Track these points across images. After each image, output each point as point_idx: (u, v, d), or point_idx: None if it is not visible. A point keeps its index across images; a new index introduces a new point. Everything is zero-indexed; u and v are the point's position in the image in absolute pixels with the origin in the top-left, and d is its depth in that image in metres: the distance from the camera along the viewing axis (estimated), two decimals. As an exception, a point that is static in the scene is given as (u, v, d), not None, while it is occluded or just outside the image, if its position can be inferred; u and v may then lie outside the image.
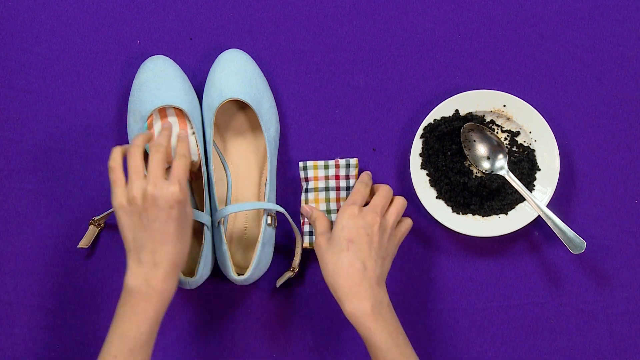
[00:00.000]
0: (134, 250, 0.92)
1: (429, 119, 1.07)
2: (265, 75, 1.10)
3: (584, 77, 1.10)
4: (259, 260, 1.03)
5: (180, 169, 0.95)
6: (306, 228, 1.06)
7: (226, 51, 1.09)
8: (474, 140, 1.08)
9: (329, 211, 1.06)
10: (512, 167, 1.08)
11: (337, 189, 1.05)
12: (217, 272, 1.08)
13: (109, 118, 1.10)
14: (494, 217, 1.08)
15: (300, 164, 1.06)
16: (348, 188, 1.03)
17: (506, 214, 1.08)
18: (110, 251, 1.09)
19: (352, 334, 1.08)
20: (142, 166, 0.94)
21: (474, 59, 1.11)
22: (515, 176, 1.08)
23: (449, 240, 1.10)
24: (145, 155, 0.99)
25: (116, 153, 0.96)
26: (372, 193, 1.03)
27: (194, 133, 1.06)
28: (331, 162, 1.06)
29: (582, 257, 1.09)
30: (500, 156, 1.08)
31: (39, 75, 1.10)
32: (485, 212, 1.07)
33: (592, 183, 1.10)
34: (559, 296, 1.09)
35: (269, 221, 1.04)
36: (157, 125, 1.05)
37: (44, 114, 1.10)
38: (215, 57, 1.09)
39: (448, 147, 1.08)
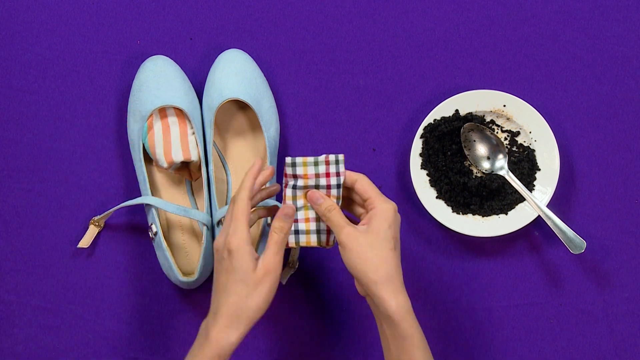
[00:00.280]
0: (211, 300, 0.94)
1: (429, 119, 1.07)
2: (265, 75, 1.10)
3: (584, 77, 1.10)
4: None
5: (228, 223, 0.92)
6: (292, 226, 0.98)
7: (226, 51, 1.09)
8: (474, 140, 1.08)
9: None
10: (512, 167, 1.08)
11: (328, 187, 0.99)
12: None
13: (109, 118, 1.10)
14: (494, 217, 1.08)
15: (288, 159, 0.97)
16: (338, 186, 0.98)
17: (506, 214, 1.08)
18: (110, 251, 1.09)
19: (352, 334, 1.08)
20: (230, 219, 0.92)
21: (474, 59, 1.11)
22: (515, 176, 1.08)
23: (449, 240, 1.09)
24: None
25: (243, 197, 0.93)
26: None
27: (194, 133, 1.06)
28: (321, 158, 0.97)
29: (582, 257, 1.09)
30: (500, 156, 1.08)
31: (39, 75, 1.10)
32: (485, 212, 1.08)
33: (592, 183, 1.10)
34: (559, 296, 1.09)
35: (269, 221, 1.04)
36: (157, 126, 1.05)
37: (44, 114, 1.10)
38: (215, 57, 1.09)
39: (448, 147, 1.08)
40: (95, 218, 1.07)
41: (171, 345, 1.09)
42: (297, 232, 0.99)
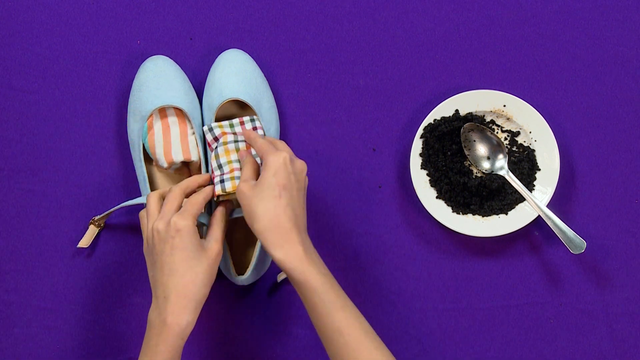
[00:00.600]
0: (153, 288, 0.93)
1: (429, 119, 1.07)
2: (265, 75, 1.10)
3: (584, 77, 1.10)
4: (259, 260, 1.03)
5: (194, 202, 0.94)
6: (217, 179, 1.00)
7: (226, 51, 1.09)
8: (474, 140, 1.08)
9: (239, 161, 1.02)
10: (512, 167, 1.08)
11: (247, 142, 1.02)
12: (218, 272, 1.08)
13: (109, 118, 1.10)
14: (494, 217, 1.08)
15: (204, 127, 1.03)
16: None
17: (506, 214, 1.08)
18: (110, 251, 1.09)
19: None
20: (157, 209, 0.94)
21: (474, 59, 1.11)
22: (515, 176, 1.08)
23: (449, 240, 1.10)
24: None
25: (148, 203, 0.96)
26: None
27: (194, 133, 1.06)
28: (235, 121, 1.03)
29: (582, 257, 1.09)
30: (500, 156, 1.08)
31: (39, 75, 1.10)
32: (485, 212, 1.08)
33: (592, 183, 1.10)
34: (559, 296, 1.09)
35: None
36: (157, 126, 1.05)
37: (44, 114, 1.10)
38: (215, 57, 1.09)
39: (448, 147, 1.08)
40: (95, 218, 1.07)
41: (171, 345, 1.09)
42: (222, 181, 0.99)
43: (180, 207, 0.94)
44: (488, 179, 1.07)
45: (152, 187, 1.07)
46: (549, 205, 1.08)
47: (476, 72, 1.11)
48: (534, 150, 1.08)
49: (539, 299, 1.09)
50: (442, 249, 1.09)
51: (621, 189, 1.10)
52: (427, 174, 1.08)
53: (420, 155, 1.08)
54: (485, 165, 1.08)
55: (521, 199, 1.08)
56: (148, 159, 1.07)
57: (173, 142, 1.04)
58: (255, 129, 1.03)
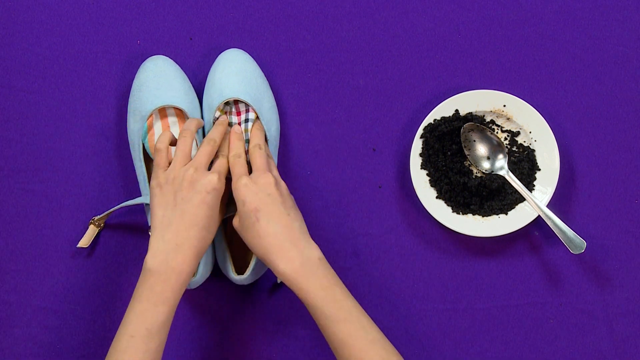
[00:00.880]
0: (160, 228, 0.93)
1: (429, 119, 1.07)
2: (265, 75, 1.10)
3: (584, 77, 1.10)
4: (259, 260, 1.03)
5: (224, 165, 0.99)
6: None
7: (226, 51, 1.09)
8: (474, 140, 1.08)
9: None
10: (512, 167, 1.08)
11: (239, 123, 1.05)
12: (217, 272, 1.08)
13: (109, 118, 1.10)
14: (494, 217, 1.08)
15: (217, 113, 1.05)
16: (247, 120, 1.04)
17: (506, 214, 1.08)
18: (110, 251, 1.09)
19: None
20: (190, 151, 0.98)
21: (474, 59, 1.11)
22: (515, 176, 1.08)
23: (449, 240, 1.10)
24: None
25: (165, 136, 0.99)
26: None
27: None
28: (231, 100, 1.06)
29: (582, 257, 1.09)
30: (500, 156, 1.08)
31: (39, 75, 1.10)
32: (485, 212, 1.08)
33: (592, 183, 1.10)
34: (559, 296, 1.09)
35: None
36: (157, 126, 1.05)
37: (44, 114, 1.10)
38: (215, 57, 1.09)
39: (448, 147, 1.08)
40: (95, 218, 1.07)
41: (171, 345, 1.09)
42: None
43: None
44: (488, 179, 1.07)
45: (152, 187, 1.07)
46: (549, 205, 1.08)
47: (476, 72, 1.11)
48: (534, 150, 1.08)
49: (539, 299, 1.09)
50: (442, 249, 1.09)
51: (621, 189, 1.10)
52: (427, 174, 1.08)
53: (420, 155, 1.08)
54: (485, 165, 1.08)
55: (521, 199, 1.08)
56: (148, 159, 1.07)
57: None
58: (247, 110, 1.05)
